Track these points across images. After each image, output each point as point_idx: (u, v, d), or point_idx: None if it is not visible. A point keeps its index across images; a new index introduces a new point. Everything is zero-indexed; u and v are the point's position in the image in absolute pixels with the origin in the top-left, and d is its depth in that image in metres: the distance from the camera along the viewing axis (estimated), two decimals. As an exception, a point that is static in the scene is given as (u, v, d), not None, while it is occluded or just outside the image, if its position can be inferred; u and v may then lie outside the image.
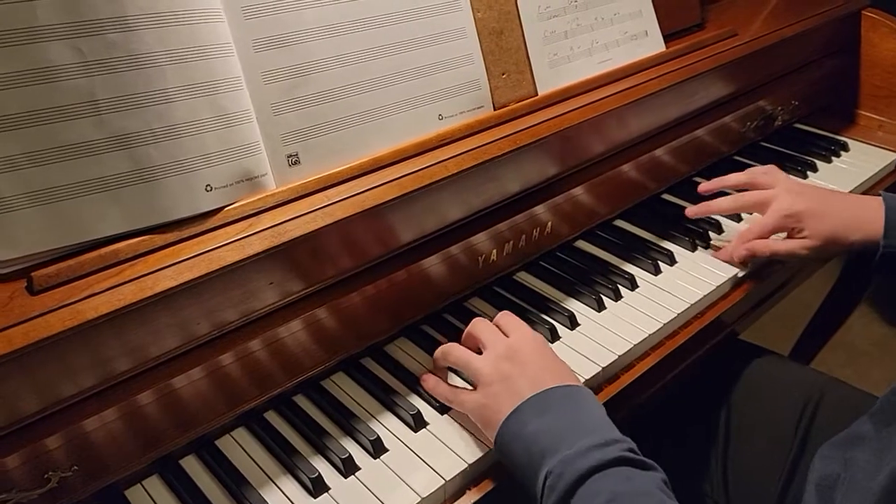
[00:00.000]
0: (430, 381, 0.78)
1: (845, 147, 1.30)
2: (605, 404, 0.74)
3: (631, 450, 0.64)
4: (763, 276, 1.01)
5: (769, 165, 1.04)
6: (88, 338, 0.59)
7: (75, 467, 0.62)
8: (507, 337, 0.76)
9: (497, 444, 0.68)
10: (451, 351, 0.77)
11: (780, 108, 1.28)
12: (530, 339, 0.75)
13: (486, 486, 0.71)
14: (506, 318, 0.79)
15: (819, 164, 1.24)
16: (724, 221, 1.08)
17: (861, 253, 0.94)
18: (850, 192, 1.17)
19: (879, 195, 0.94)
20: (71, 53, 0.57)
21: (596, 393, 0.80)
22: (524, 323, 0.78)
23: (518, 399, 0.68)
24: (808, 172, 1.22)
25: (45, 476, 0.60)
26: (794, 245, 0.95)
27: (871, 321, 2.16)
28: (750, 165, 1.24)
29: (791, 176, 1.04)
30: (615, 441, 0.63)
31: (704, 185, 1.05)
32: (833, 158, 1.26)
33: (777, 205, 0.97)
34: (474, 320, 0.79)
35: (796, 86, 1.29)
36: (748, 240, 0.98)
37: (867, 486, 0.68)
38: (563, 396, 0.68)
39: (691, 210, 1.03)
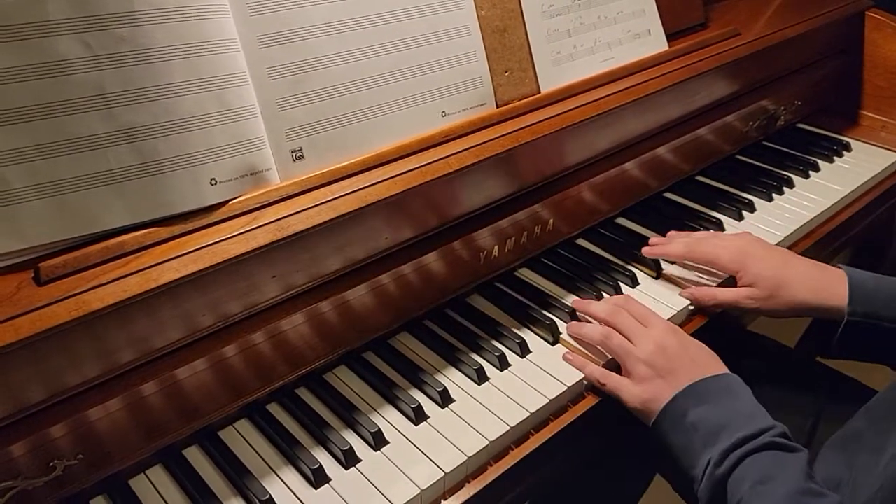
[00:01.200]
0: (590, 369, 0.81)
1: (848, 147, 1.30)
2: (608, 399, 0.79)
3: (782, 434, 0.70)
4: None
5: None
6: (94, 328, 0.60)
7: (80, 456, 0.63)
8: (647, 328, 0.81)
9: (654, 429, 0.75)
10: (612, 337, 0.81)
11: (782, 107, 1.28)
12: (671, 332, 0.81)
13: (486, 478, 0.72)
14: (636, 307, 0.84)
15: (821, 163, 1.24)
16: (725, 219, 1.09)
17: (818, 318, 0.91)
18: (852, 192, 1.18)
19: (840, 267, 0.89)
20: (80, 48, 0.58)
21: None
22: (654, 313, 0.83)
23: (675, 389, 0.74)
24: (811, 172, 1.22)
25: (51, 464, 0.61)
26: (734, 294, 0.91)
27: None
28: (752, 164, 1.24)
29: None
30: (768, 429, 0.69)
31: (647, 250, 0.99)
32: (835, 158, 1.27)
33: (729, 243, 0.94)
34: (611, 309, 0.84)
35: (799, 85, 1.29)
36: (691, 251, 0.95)
37: (871, 484, 0.69)
38: (717, 386, 0.74)
39: (647, 250, 0.98)
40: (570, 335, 0.87)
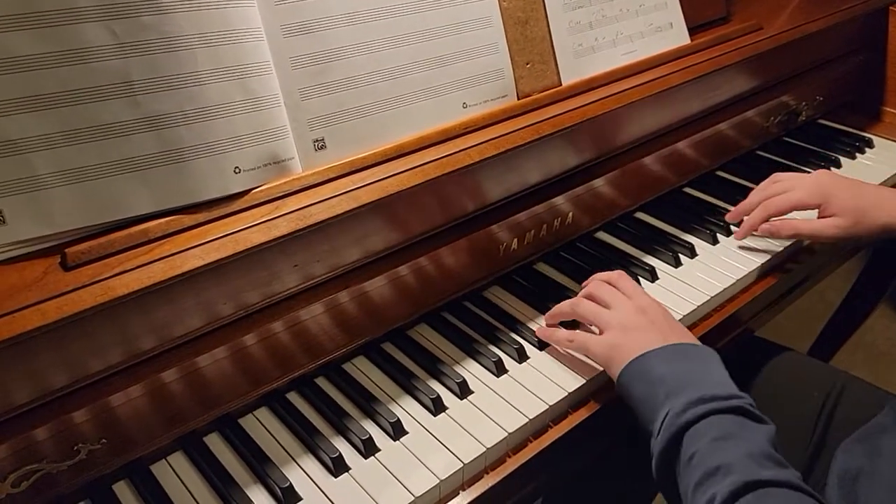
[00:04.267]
0: (554, 334, 0.80)
1: (870, 144, 1.29)
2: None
3: (750, 405, 0.66)
4: (784, 269, 1.01)
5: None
6: (117, 314, 0.60)
7: (104, 441, 0.63)
8: (629, 298, 0.78)
9: (619, 379, 0.72)
10: (581, 303, 0.79)
11: (804, 103, 1.27)
12: (655, 303, 0.78)
13: (504, 469, 0.72)
14: (624, 280, 0.82)
15: (843, 160, 1.23)
16: (746, 215, 1.08)
17: (890, 241, 0.92)
18: (874, 188, 1.17)
19: None
20: (106, 35, 0.59)
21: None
22: (643, 291, 0.81)
23: (648, 346, 0.71)
24: (832, 168, 1.21)
25: (75, 448, 0.62)
26: (819, 224, 0.94)
27: (892, 321, 2.14)
28: (772, 160, 1.24)
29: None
30: (736, 396, 0.66)
31: (730, 215, 1.03)
32: (857, 155, 1.25)
33: (805, 182, 0.97)
34: (593, 283, 0.82)
35: (821, 81, 1.28)
36: (770, 212, 0.97)
37: (894, 475, 0.68)
38: (692, 352, 0.71)
39: (738, 234, 1.01)
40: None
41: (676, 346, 0.71)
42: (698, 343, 0.74)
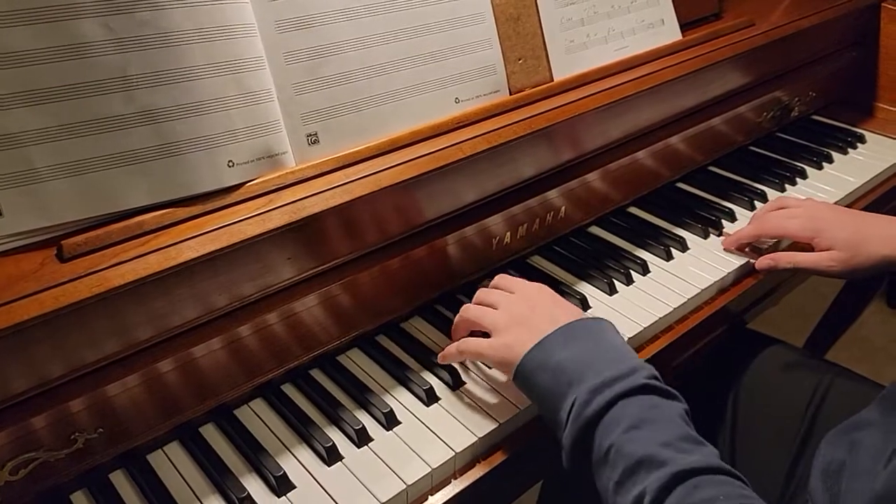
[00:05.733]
0: (447, 350, 0.78)
1: (862, 139, 1.30)
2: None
3: (654, 377, 0.66)
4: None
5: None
6: (114, 305, 0.61)
7: (100, 430, 0.64)
8: (513, 293, 0.78)
9: (519, 375, 0.70)
10: (468, 308, 0.79)
11: (796, 99, 1.28)
12: (536, 288, 0.78)
13: (496, 459, 0.73)
14: (504, 279, 0.81)
15: (835, 155, 1.24)
16: (737, 210, 1.09)
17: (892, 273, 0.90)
18: (865, 183, 1.18)
19: None
20: (103, 31, 0.60)
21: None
22: (522, 279, 0.80)
23: (539, 335, 0.69)
24: (824, 163, 1.22)
25: (72, 437, 0.63)
26: (815, 257, 0.92)
27: (887, 317, 2.15)
28: (765, 156, 1.24)
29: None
30: (639, 368, 0.65)
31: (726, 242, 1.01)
32: (849, 150, 1.26)
33: (798, 214, 0.96)
34: (479, 291, 0.81)
35: (814, 77, 1.29)
36: (759, 232, 0.97)
37: (872, 468, 0.69)
38: (585, 329, 0.70)
39: (724, 244, 1.00)
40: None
41: (568, 326, 0.70)
42: (586, 316, 0.73)
